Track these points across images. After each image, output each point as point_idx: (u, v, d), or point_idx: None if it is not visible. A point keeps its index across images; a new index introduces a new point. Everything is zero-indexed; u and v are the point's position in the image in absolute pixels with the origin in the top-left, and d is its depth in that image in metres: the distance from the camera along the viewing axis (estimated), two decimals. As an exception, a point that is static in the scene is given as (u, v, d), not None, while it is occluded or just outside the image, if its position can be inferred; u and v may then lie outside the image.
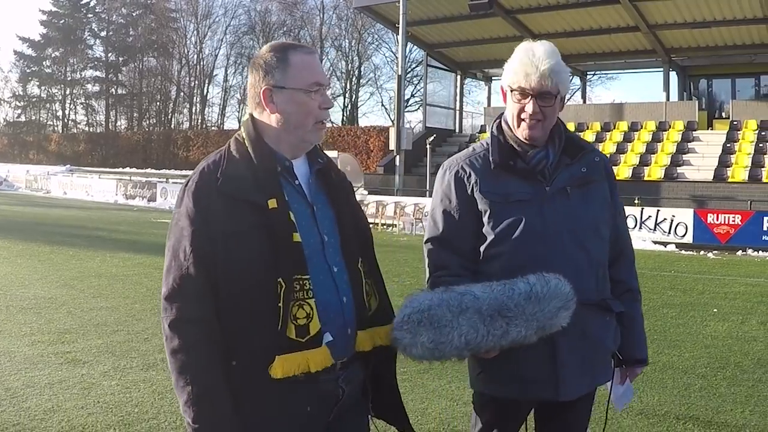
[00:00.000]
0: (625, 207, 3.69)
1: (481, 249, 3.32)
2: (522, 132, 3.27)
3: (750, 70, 39.97)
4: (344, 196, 2.98)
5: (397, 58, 42.95)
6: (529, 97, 3.20)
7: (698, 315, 11.91)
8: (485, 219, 3.30)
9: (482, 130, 42.26)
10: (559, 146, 3.35)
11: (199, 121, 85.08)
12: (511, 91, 3.28)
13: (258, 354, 2.60)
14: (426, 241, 3.48)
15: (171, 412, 6.44)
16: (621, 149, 35.68)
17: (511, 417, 3.46)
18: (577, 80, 48.52)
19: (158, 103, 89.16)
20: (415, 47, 44.35)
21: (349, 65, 79.92)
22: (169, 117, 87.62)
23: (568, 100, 3.42)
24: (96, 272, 15.08)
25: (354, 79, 79.63)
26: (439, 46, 42.48)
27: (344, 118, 76.77)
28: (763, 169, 31.39)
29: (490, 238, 3.28)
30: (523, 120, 3.25)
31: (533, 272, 3.03)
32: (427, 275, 3.44)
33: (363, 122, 74.15)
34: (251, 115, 2.87)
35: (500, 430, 3.46)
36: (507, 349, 3.01)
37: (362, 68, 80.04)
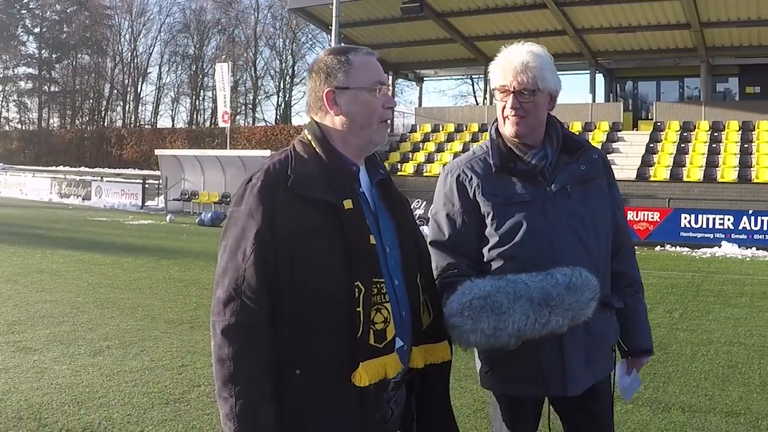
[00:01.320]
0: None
1: (485, 251, 3.33)
2: (508, 129, 3.32)
3: (674, 73, 41.39)
4: (404, 210, 2.90)
5: None
6: (509, 93, 3.25)
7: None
8: (488, 221, 3.31)
9: (413, 129, 43.02)
10: (557, 145, 3.38)
11: (133, 119, 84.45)
12: (495, 90, 3.34)
13: (329, 361, 2.50)
14: (429, 243, 3.36)
15: (119, 392, 7.01)
16: None
17: (524, 413, 3.49)
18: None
19: (92, 101, 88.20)
20: (349, 47, 44.70)
21: (283, 64, 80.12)
22: (103, 115, 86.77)
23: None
24: (37, 268, 15.48)
25: (288, 77, 79.82)
26: (372, 48, 41.93)
27: (278, 117, 76.82)
28: (683, 168, 32.50)
29: (493, 240, 3.30)
30: (507, 117, 3.30)
31: (538, 271, 3.07)
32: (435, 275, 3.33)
33: (296, 121, 74.18)
34: (313, 120, 2.81)
35: (516, 427, 3.49)
36: (529, 340, 3.02)
37: (296, 67, 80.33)
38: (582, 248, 3.26)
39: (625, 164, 33.94)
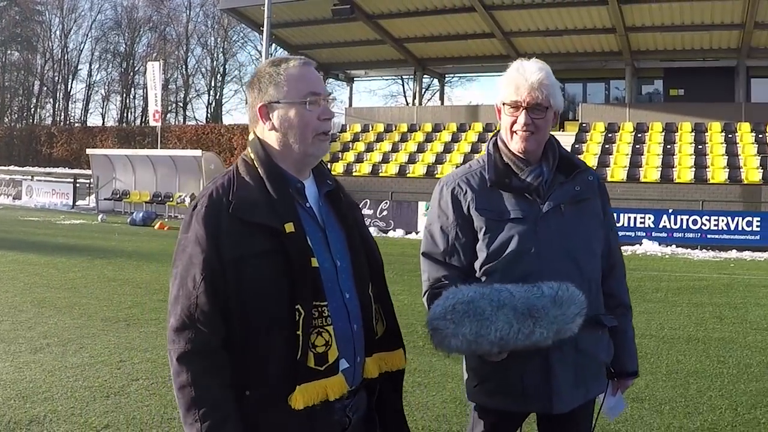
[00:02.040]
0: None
1: (476, 265, 3.32)
2: (515, 145, 3.29)
3: (600, 75, 42.38)
4: (353, 219, 2.86)
5: (261, 57, 43.04)
6: (521, 109, 3.23)
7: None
8: (480, 236, 3.30)
9: (343, 129, 43.15)
10: (553, 164, 3.35)
11: (63, 117, 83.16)
12: (504, 105, 3.31)
13: (275, 384, 2.49)
14: (422, 254, 3.45)
15: (62, 386, 7.22)
16: (475, 149, 36.63)
17: (505, 428, 3.49)
18: (435, 83, 49.92)
19: (21, 98, 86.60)
20: (280, 47, 44.84)
21: (215, 62, 79.67)
22: (32, 112, 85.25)
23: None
24: (-29, 269, 15.38)
25: (219, 76, 79.39)
26: (303, 48, 42.63)
27: (208, 115, 76.34)
28: (607, 168, 33.22)
29: (483, 255, 3.28)
30: (515, 132, 3.27)
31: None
32: (424, 288, 3.42)
33: (227, 120, 73.83)
34: (256, 135, 2.76)
35: None
36: (515, 353, 3.04)
37: (227, 65, 79.92)
38: (573, 266, 3.24)
39: (552, 164, 34.38)
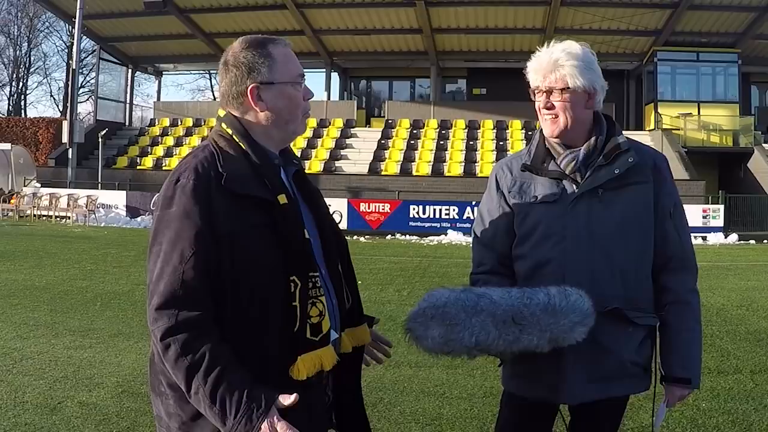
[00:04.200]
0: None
1: (513, 249, 3.29)
2: (545, 129, 3.24)
3: (406, 74, 43.79)
4: (318, 200, 2.87)
5: (68, 48, 41.95)
6: (541, 92, 3.19)
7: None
8: (515, 219, 3.27)
9: (152, 123, 42.82)
10: (595, 146, 3.21)
11: None
12: (531, 91, 3.28)
13: (274, 356, 2.46)
14: (473, 235, 3.47)
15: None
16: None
17: (528, 417, 3.40)
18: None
19: None
20: (90, 39, 43.86)
21: (18, 52, 76.64)
22: None
23: None
24: None
25: (23, 66, 76.46)
26: (113, 40, 42.16)
27: (10, 108, 73.41)
28: (413, 163, 34.57)
29: (516, 239, 3.26)
30: (543, 117, 3.23)
31: (551, 274, 3.07)
32: (471, 270, 3.40)
33: (31, 113, 71.02)
34: (231, 113, 2.70)
35: (517, 428, 3.48)
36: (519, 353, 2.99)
37: (32, 56, 77.02)
38: (600, 255, 3.10)
39: (358, 159, 35.70)
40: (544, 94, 3.17)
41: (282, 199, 2.52)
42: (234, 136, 2.62)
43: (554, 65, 3.12)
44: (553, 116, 3.16)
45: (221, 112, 2.74)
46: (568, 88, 3.11)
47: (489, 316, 2.82)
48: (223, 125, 2.67)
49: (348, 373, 2.82)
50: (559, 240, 3.12)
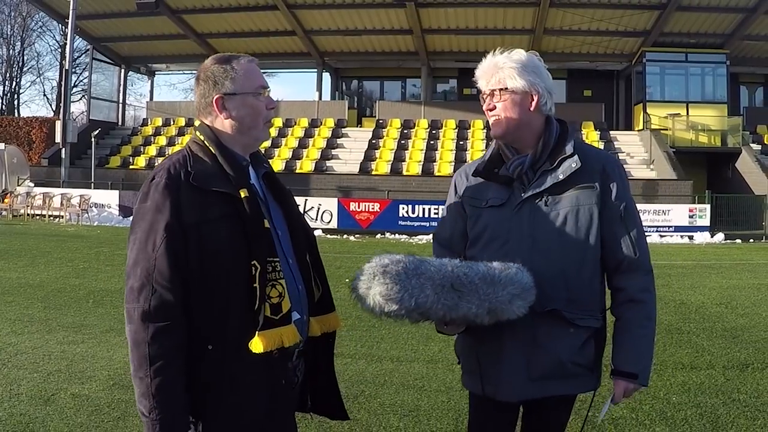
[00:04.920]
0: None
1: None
2: (491, 131, 3.31)
3: (397, 74, 44.00)
4: (288, 198, 3.10)
5: (61, 48, 41.78)
6: (486, 96, 3.27)
7: (332, 284, 13.77)
8: (468, 222, 3.37)
9: (144, 123, 42.85)
10: (542, 151, 3.25)
11: None
12: (481, 97, 3.34)
13: (236, 335, 2.69)
14: (432, 237, 3.60)
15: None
16: (275, 144, 36.95)
17: (493, 408, 3.40)
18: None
19: None
20: (83, 39, 43.91)
21: (11, 51, 76.46)
22: None
23: None
24: None
25: (16, 65, 76.28)
26: (106, 40, 42.25)
27: (3, 107, 73.23)
28: (403, 162, 34.76)
29: (468, 241, 3.36)
30: (489, 119, 3.30)
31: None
32: None
33: (24, 111, 70.74)
34: (203, 122, 2.98)
35: (479, 425, 3.54)
36: (475, 332, 3.12)
37: (25, 55, 76.87)
38: (542, 258, 3.15)
39: (348, 158, 35.86)
40: (489, 96, 3.25)
41: (243, 192, 2.76)
42: (205, 141, 2.90)
43: (495, 68, 3.23)
44: (496, 117, 3.24)
45: (197, 122, 3.05)
46: (507, 88, 3.19)
47: (428, 279, 2.88)
48: (197, 132, 2.96)
49: (321, 357, 3.08)
50: (503, 243, 3.21)
